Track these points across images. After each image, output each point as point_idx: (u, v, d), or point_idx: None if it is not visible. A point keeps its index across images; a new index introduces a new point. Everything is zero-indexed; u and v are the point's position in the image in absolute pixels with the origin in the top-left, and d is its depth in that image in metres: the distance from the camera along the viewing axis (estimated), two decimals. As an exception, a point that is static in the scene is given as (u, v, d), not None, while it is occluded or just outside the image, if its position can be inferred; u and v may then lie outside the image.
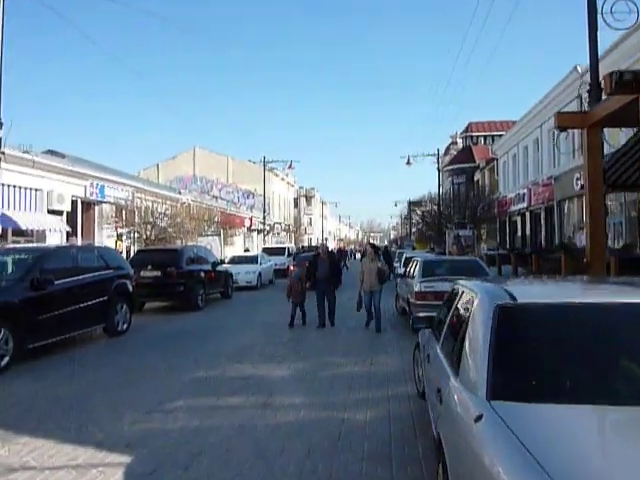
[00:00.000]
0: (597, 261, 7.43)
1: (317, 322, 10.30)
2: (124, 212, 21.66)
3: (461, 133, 46.64)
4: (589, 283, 3.31)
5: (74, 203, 19.58)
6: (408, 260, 14.62)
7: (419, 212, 39.09)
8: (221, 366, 7.15)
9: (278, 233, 48.46)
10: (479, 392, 2.25)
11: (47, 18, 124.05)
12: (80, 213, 20.33)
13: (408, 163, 33.36)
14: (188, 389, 5.98)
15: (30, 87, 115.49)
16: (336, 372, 6.72)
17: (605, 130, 10.14)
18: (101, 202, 21.28)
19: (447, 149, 47.42)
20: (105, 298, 9.21)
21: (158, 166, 46.59)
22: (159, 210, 21.65)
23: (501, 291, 2.85)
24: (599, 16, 8.94)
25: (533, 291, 3.11)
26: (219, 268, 16.10)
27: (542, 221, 24.03)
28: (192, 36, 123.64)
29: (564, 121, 7.74)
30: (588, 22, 8.95)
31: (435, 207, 32.80)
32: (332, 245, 68.12)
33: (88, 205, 20.92)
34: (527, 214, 26.02)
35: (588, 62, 9.12)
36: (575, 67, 19.04)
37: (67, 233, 18.30)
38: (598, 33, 9.02)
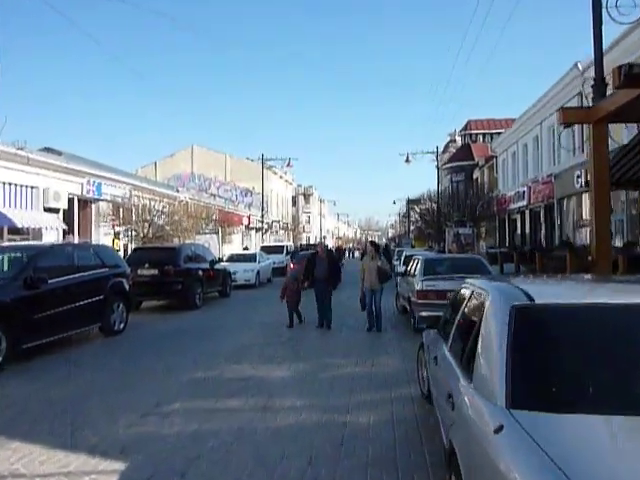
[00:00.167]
0: (603, 259, 7.27)
1: (316, 322, 10.09)
2: (121, 210, 21.48)
3: (460, 131, 46.50)
4: (607, 282, 3.15)
5: (71, 201, 19.40)
6: (408, 258, 14.47)
7: (418, 210, 38.92)
8: (219, 367, 7.00)
9: (276, 231, 48.28)
10: (497, 400, 2.10)
11: (47, 17, 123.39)
12: (77, 211, 20.14)
13: (407, 161, 33.20)
14: (185, 391, 5.82)
15: (31, 86, 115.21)
16: (337, 373, 6.57)
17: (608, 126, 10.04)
18: (98, 200, 21.09)
19: (446, 147, 47.27)
20: (101, 297, 9.04)
21: (156, 164, 46.33)
22: (156, 208, 21.46)
23: (516, 291, 2.69)
24: (604, 10, 8.79)
25: (550, 291, 2.95)
26: (217, 266, 15.93)
27: (542, 219, 23.91)
28: (192, 35, 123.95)
29: (569, 116, 7.59)
30: (593, 16, 8.79)
31: (434, 205, 32.64)
32: (331, 243, 67.96)
33: (85, 203, 20.72)
34: (527, 212, 25.90)
35: (593, 57, 8.95)
36: (576, 64, 18.91)
37: (64, 231, 18.12)
38: (602, 28, 8.89)
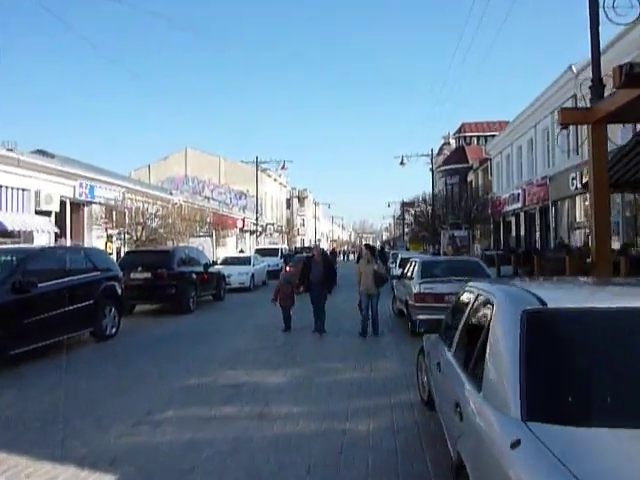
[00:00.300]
0: (602, 261, 7.18)
1: (312, 327, 9.87)
2: (114, 213, 21.26)
3: (454, 134, 46.60)
4: (619, 285, 3.03)
5: (63, 204, 19.18)
6: (405, 261, 14.37)
7: (412, 213, 38.90)
8: (213, 372, 6.83)
9: (271, 234, 48.10)
10: (511, 411, 1.97)
11: (44, 19, 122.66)
12: (69, 214, 19.92)
13: (402, 163, 33.13)
14: (179, 398, 5.66)
15: (28, 87, 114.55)
16: (334, 378, 6.42)
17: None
18: (91, 203, 20.87)
19: (440, 150, 47.36)
20: (92, 301, 8.84)
21: (149, 167, 46.08)
22: (150, 211, 21.25)
23: (526, 294, 2.56)
24: (601, 10, 8.74)
25: (562, 294, 2.82)
26: (211, 269, 15.75)
27: (537, 221, 23.92)
28: (189, 36, 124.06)
29: (568, 117, 7.50)
30: (589, 17, 8.73)
31: (429, 208, 32.61)
32: (325, 246, 67.83)
33: (77, 206, 20.51)
34: (521, 214, 25.91)
35: (589, 57, 8.89)
36: (570, 66, 18.94)
37: (55, 234, 17.90)
38: (599, 28, 8.84)
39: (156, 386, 6.16)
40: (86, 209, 20.99)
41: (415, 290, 9.03)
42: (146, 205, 21.57)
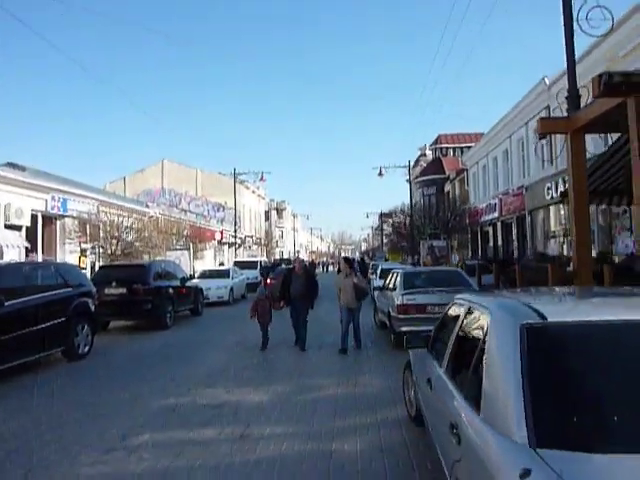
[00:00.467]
0: (584, 270, 7.18)
1: (293, 342, 9.61)
2: (88, 226, 20.72)
3: (430, 145, 47.20)
4: (618, 296, 2.92)
5: (34, 217, 18.60)
6: (385, 272, 14.28)
7: (391, 223, 39.05)
8: (192, 392, 6.54)
9: (249, 246, 47.68)
10: (517, 437, 1.82)
11: (34, 41, 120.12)
12: (41, 228, 19.32)
13: (380, 174, 33.29)
14: (155, 420, 5.37)
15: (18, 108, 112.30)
16: (318, 395, 6.21)
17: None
18: (63, 216, 20.29)
19: (417, 161, 47.83)
20: (64, 319, 8.46)
21: (125, 179, 45.32)
22: (125, 224, 20.76)
23: (523, 307, 2.43)
24: (574, 23, 8.87)
25: (561, 307, 2.70)
26: (189, 283, 15.39)
27: (514, 230, 24.21)
28: (168, 49, 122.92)
29: (546, 127, 7.54)
30: (564, 28, 8.86)
31: (407, 218, 32.78)
32: (304, 258, 67.54)
33: (49, 219, 19.92)
34: (498, 224, 26.21)
35: (565, 68, 9.00)
36: (543, 78, 19.35)
37: (26, 249, 17.30)
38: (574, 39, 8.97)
39: (131, 408, 5.85)
40: (59, 223, 20.40)
41: (398, 301, 8.91)
42: (121, 218, 21.06)
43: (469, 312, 3.09)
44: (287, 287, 9.72)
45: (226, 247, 41.32)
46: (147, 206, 29.33)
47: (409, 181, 36.90)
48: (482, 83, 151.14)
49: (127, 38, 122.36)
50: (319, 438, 4.68)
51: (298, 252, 67.95)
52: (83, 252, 20.54)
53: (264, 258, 37.42)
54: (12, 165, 19.01)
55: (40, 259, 17.84)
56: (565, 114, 8.18)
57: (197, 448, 4.51)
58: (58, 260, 18.81)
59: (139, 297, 12.32)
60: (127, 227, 20.79)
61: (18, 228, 17.44)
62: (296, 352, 9.21)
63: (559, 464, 1.62)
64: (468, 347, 2.84)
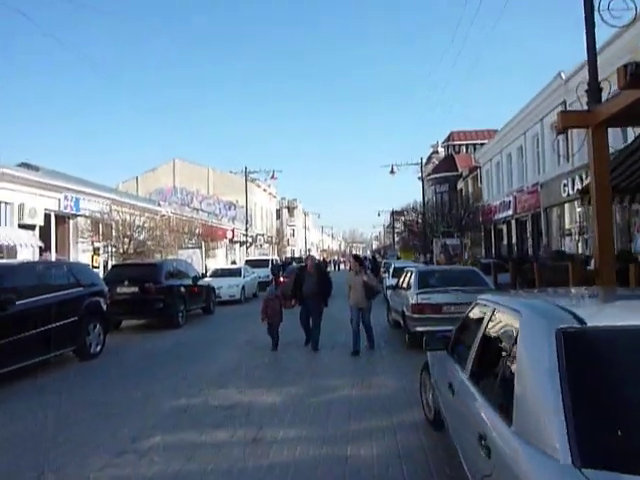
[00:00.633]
0: (606, 269, 6.94)
1: (303, 341, 9.41)
2: (101, 225, 20.80)
3: (443, 142, 46.75)
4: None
5: (47, 217, 18.71)
6: (399, 271, 14.09)
7: (403, 221, 38.74)
8: (204, 392, 6.44)
9: (261, 245, 47.66)
10: (559, 455, 1.66)
11: (38, 39, 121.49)
12: (54, 227, 19.43)
13: (392, 172, 33.01)
14: (167, 422, 5.27)
15: (25, 106, 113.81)
16: (332, 397, 6.07)
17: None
18: (76, 215, 20.39)
19: (429, 158, 47.44)
20: (76, 318, 8.42)
21: (137, 179, 45.54)
22: (137, 223, 20.79)
23: (558, 310, 2.27)
24: (596, 13, 8.61)
25: (600, 309, 2.52)
26: (200, 282, 15.34)
27: (528, 228, 23.83)
28: (179, 48, 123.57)
29: (568, 120, 7.28)
30: (585, 19, 8.60)
31: (420, 216, 32.47)
32: (316, 256, 67.39)
33: (62, 219, 20.02)
34: (513, 222, 25.83)
35: (586, 59, 8.72)
36: (559, 73, 18.96)
37: (40, 248, 17.39)
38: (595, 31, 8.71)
39: (143, 409, 5.77)
40: (71, 222, 20.51)
41: (412, 301, 8.73)
42: (133, 217, 21.11)
43: (494, 314, 2.92)
44: (299, 286, 9.50)
45: (237, 246, 41.34)
46: (159, 205, 29.41)
47: (421, 179, 36.56)
48: (486, 86, 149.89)
49: (132, 37, 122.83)
50: (334, 442, 4.54)
51: (309, 250, 67.84)
52: (96, 251, 20.63)
53: (275, 256, 37.31)
54: (26, 165, 19.16)
55: (53, 258, 17.93)
56: (584, 108, 7.94)
57: (209, 451, 4.40)
58: (71, 259, 18.91)
59: (151, 296, 12.29)
60: (139, 226, 20.82)
61: (32, 227, 17.55)
62: (308, 352, 9.07)
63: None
64: (495, 352, 2.68)
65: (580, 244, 18.50)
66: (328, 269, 40.79)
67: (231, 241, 39.06)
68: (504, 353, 2.47)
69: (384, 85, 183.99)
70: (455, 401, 3.11)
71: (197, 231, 28.32)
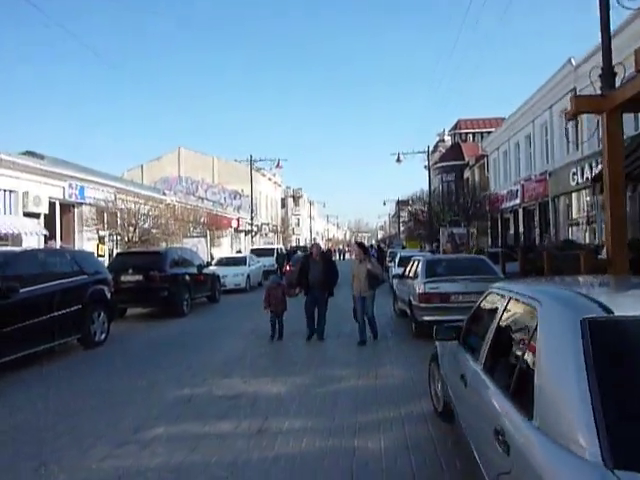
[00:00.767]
0: (619, 258, 6.79)
1: (305, 333, 9.11)
2: (105, 214, 20.74)
3: (450, 130, 46.28)
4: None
5: (52, 205, 18.65)
6: (405, 259, 13.95)
7: (409, 210, 38.48)
8: (208, 382, 6.36)
9: (266, 234, 47.56)
10: (587, 453, 1.53)
11: (42, 28, 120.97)
12: (59, 215, 19.38)
13: (398, 160, 32.73)
14: (170, 412, 5.19)
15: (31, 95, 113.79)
16: (338, 387, 5.97)
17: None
18: (81, 204, 20.33)
19: (435, 147, 47.02)
20: (79, 306, 8.36)
21: (142, 167, 45.43)
22: (141, 211, 20.72)
23: (580, 298, 2.13)
24: (611, -4, 8.35)
25: (626, 298, 2.37)
26: (205, 271, 15.27)
27: (536, 217, 23.57)
28: (185, 36, 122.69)
29: (581, 105, 7.09)
30: (599, 2, 8.35)
31: (426, 205, 32.24)
32: (321, 245, 67.24)
33: (67, 207, 19.96)
34: (520, 211, 25.56)
35: (600, 43, 8.48)
36: (569, 59, 18.58)
37: (45, 236, 17.35)
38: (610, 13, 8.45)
39: (146, 399, 5.69)
40: (76, 210, 20.45)
41: (420, 290, 8.60)
42: (138, 205, 21.03)
43: (509, 303, 2.79)
44: (305, 274, 9.28)
45: (243, 235, 41.27)
46: (164, 194, 29.31)
47: (428, 167, 36.25)
48: (487, 82, 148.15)
49: (135, 25, 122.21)
50: (341, 433, 4.45)
51: (314, 239, 67.70)
52: (101, 239, 20.60)
53: (280, 245, 37.21)
54: (31, 154, 19.06)
55: (58, 247, 17.91)
56: (597, 93, 7.72)
57: (213, 442, 4.31)
58: (76, 247, 18.88)
59: (156, 284, 12.22)
60: (144, 214, 20.75)
61: (36, 216, 17.51)
62: (313, 341, 8.95)
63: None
64: (511, 343, 2.55)
65: (588, 234, 18.27)
66: (333, 258, 40.65)
67: (236, 230, 38.99)
68: (522, 344, 2.34)
69: (388, 73, 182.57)
70: (468, 393, 2.99)
71: (202, 220, 28.22)
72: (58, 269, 8.30)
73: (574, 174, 18.17)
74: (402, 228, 52.83)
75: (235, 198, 44.33)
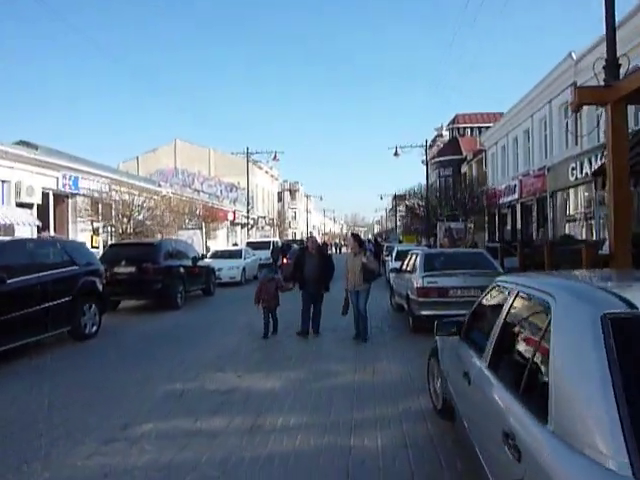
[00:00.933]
0: (622, 253, 6.65)
1: (299, 328, 8.75)
2: (100, 205, 20.49)
3: (448, 125, 46.09)
4: None
5: (45, 195, 18.40)
6: (402, 253, 13.81)
7: (407, 204, 38.33)
8: (201, 376, 6.19)
9: (262, 227, 47.35)
10: (611, 463, 1.38)
11: (44, 22, 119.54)
12: (52, 206, 19.12)
13: (396, 154, 32.53)
14: (161, 407, 5.03)
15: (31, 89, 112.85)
16: (334, 383, 5.82)
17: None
18: (75, 194, 20.07)
19: (433, 141, 46.81)
20: (69, 298, 8.17)
21: (138, 159, 45.05)
22: (136, 203, 20.47)
23: (599, 292, 1.97)
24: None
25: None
26: (200, 263, 15.07)
27: (534, 213, 23.45)
28: (184, 29, 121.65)
29: (585, 96, 6.92)
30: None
31: (423, 200, 32.09)
32: (317, 238, 67.07)
33: (61, 198, 19.70)
34: (518, 206, 25.43)
35: (605, 35, 8.31)
36: (570, 53, 18.38)
37: (38, 227, 17.12)
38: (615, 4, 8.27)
39: (136, 393, 5.53)
40: (70, 201, 20.20)
41: (418, 284, 8.44)
42: (132, 197, 20.77)
43: (517, 297, 2.63)
44: (300, 268, 9.00)
45: (239, 228, 41.04)
46: (159, 185, 29.03)
47: (425, 162, 36.07)
48: (488, 77, 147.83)
49: (137, 19, 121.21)
50: (336, 431, 4.30)
51: (311, 233, 67.53)
52: (95, 231, 20.36)
53: (277, 239, 37.02)
54: (25, 143, 18.77)
55: (51, 237, 17.67)
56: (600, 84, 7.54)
57: (204, 440, 4.15)
58: (70, 238, 18.65)
59: (149, 276, 12.03)
60: (138, 206, 20.51)
61: (29, 206, 17.27)
62: (310, 335, 8.78)
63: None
64: (520, 340, 2.39)
65: (585, 230, 18.17)
66: (329, 252, 40.58)
67: (232, 223, 38.75)
68: (532, 342, 2.18)
69: (388, 69, 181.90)
70: (472, 391, 2.84)
71: (198, 212, 27.99)
72: (48, 260, 8.10)
73: (573, 169, 18.04)
74: (399, 222, 52.67)
75: (231, 191, 44.06)
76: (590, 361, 1.65)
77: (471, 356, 3.08)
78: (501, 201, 27.09)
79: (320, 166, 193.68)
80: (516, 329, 2.53)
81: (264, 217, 48.96)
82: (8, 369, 6.59)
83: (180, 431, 4.37)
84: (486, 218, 30.42)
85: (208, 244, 26.55)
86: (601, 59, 8.17)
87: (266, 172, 51.94)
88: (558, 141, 20.20)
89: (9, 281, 6.92)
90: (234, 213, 38.55)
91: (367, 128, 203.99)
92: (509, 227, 27.37)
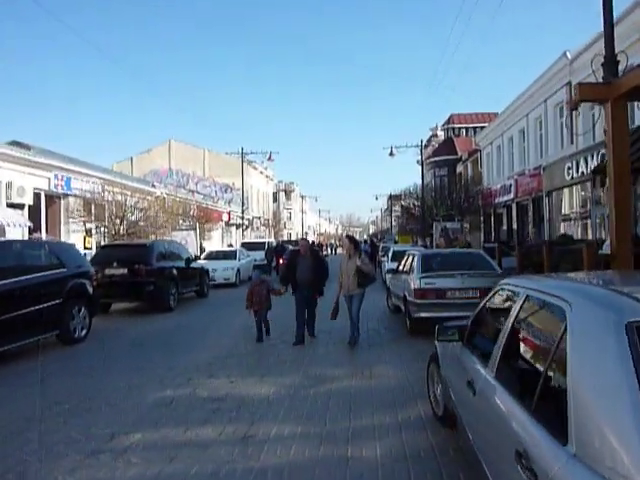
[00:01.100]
0: (623, 253, 6.52)
1: (295, 335, 8.25)
2: (92, 206, 20.22)
3: (443, 125, 46.02)
4: None
5: (37, 196, 18.11)
6: (398, 254, 13.64)
7: (403, 204, 38.23)
8: (192, 383, 5.98)
9: (257, 228, 47.11)
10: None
11: (43, 23, 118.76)
12: (44, 207, 18.84)
13: (391, 154, 32.41)
14: (149, 416, 4.83)
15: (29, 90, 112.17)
16: (331, 388, 5.63)
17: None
18: (67, 195, 19.80)
19: (428, 141, 46.74)
20: (58, 301, 7.95)
21: (132, 160, 44.70)
22: (129, 203, 20.22)
23: (621, 298, 1.81)
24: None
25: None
26: (194, 264, 14.85)
27: (529, 212, 23.36)
28: (180, 30, 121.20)
29: (586, 93, 6.77)
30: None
31: (419, 200, 31.99)
32: (312, 239, 66.91)
33: (52, 198, 19.42)
34: (513, 206, 25.35)
35: (603, 31, 8.18)
36: (564, 52, 18.29)
37: (29, 228, 16.84)
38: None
39: (124, 401, 5.32)
40: (62, 202, 19.92)
41: (415, 286, 8.28)
42: (125, 197, 20.52)
43: (527, 302, 2.46)
44: (292, 270, 8.60)
45: (234, 228, 40.79)
46: (153, 186, 28.75)
47: (421, 162, 35.97)
48: (485, 77, 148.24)
49: (137, 19, 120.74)
50: (333, 440, 4.12)
51: (306, 233, 67.35)
52: (88, 232, 20.10)
53: (272, 239, 36.79)
54: (17, 144, 18.49)
55: (44, 238, 17.41)
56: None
57: (194, 451, 3.95)
58: (62, 240, 18.38)
59: (141, 278, 11.81)
60: (131, 206, 20.26)
61: (20, 207, 16.99)
62: (305, 339, 8.57)
63: None
64: (530, 349, 2.22)
65: (580, 229, 18.09)
66: (324, 253, 40.35)
67: (227, 224, 38.50)
68: (544, 351, 2.01)
69: (388, 69, 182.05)
70: (477, 402, 2.66)
71: (192, 213, 27.74)
72: (35, 262, 7.89)
73: (569, 168, 17.93)
74: (394, 223, 52.58)
75: (226, 191, 43.80)
76: (615, 374, 1.49)
77: (475, 364, 2.91)
78: (497, 201, 26.99)
79: (316, 166, 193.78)
80: (525, 337, 2.36)
81: (259, 218, 48.73)
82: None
83: (169, 442, 4.17)
84: (482, 218, 30.34)
85: (203, 245, 26.29)
86: (599, 56, 8.04)
87: (261, 172, 51.71)
88: (553, 140, 20.12)
89: (-6, 284, 6.71)
90: (229, 214, 38.31)
91: (366, 128, 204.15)
92: (505, 227, 27.29)
